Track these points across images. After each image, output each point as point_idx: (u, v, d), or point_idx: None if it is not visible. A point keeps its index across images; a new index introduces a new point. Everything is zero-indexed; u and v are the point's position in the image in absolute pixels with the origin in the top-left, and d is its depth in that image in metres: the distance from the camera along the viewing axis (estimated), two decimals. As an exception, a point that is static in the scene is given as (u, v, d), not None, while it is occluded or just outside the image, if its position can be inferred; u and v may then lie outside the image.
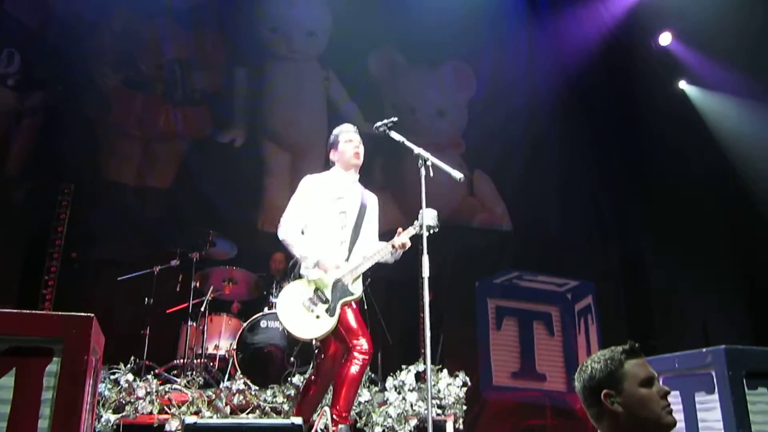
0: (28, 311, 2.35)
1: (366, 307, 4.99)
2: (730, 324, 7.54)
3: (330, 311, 3.77)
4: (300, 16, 8.19)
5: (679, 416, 3.16)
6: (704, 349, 3.06)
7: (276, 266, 6.28)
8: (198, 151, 7.55)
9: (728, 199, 7.80)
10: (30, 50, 7.16)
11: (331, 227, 4.00)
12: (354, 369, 3.69)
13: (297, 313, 3.82)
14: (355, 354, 3.73)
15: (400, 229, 3.85)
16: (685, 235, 7.66)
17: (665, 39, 8.23)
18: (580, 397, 2.07)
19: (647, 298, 8.05)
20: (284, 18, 8.15)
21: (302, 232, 4.02)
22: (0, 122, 7.01)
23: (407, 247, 3.84)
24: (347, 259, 3.97)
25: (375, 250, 3.93)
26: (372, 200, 4.26)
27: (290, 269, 4.09)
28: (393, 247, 3.85)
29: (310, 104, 8.18)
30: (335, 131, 4.24)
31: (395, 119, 3.83)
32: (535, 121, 8.32)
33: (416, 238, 3.76)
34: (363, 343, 3.76)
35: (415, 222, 3.63)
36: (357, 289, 3.87)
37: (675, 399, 3.20)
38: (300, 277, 3.92)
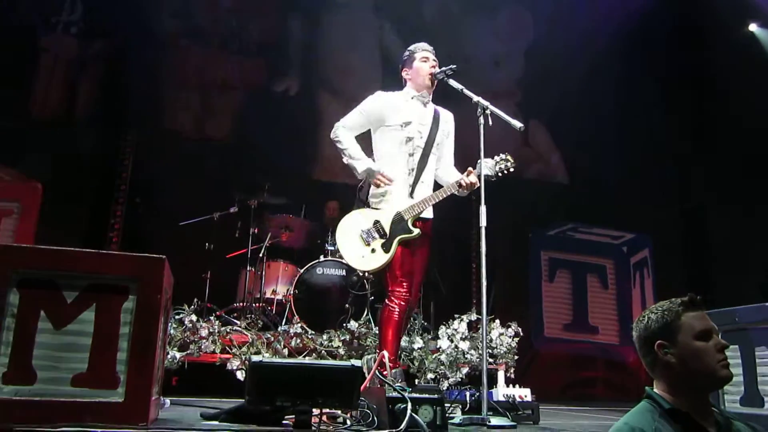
0: (107, 252, 2.48)
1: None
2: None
3: (386, 246, 3.70)
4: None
5: (737, 370, 3.15)
6: (766, 303, 3.00)
7: (330, 214, 6.38)
8: (254, 101, 7.64)
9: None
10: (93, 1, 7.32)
11: (399, 155, 3.86)
12: (395, 314, 3.66)
13: (354, 243, 3.76)
14: (394, 299, 3.69)
15: (470, 169, 3.72)
16: (748, 186, 7.35)
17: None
18: (636, 345, 2.07)
19: (707, 251, 7.83)
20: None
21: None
22: (65, 69, 7.23)
23: (476, 186, 3.66)
24: (411, 192, 3.83)
25: (441, 190, 3.79)
26: (446, 122, 4.06)
27: (357, 193, 3.98)
28: (460, 186, 3.73)
29: (365, 53, 8.13)
30: (410, 48, 4.07)
31: (454, 66, 3.76)
32: (593, 69, 8.03)
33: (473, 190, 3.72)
34: (403, 289, 3.70)
35: (481, 163, 3.51)
36: (416, 229, 3.74)
37: (734, 353, 3.17)
38: (364, 204, 3.86)
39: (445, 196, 3.80)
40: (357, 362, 2.42)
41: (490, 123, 3.37)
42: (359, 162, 3.79)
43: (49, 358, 2.31)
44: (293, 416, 2.40)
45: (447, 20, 8.22)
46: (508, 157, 3.80)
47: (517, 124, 3.33)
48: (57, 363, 2.31)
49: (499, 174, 3.78)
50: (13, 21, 7.01)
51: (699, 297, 2.01)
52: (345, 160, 3.88)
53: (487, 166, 3.48)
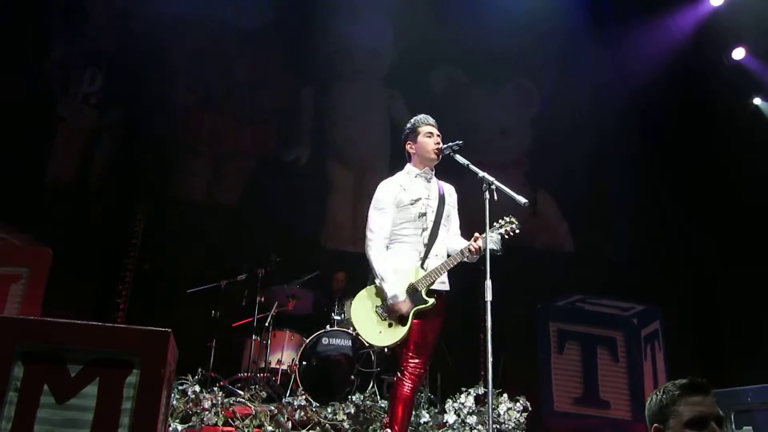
0: (112, 325, 2.48)
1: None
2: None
3: (402, 320, 3.69)
4: (364, 37, 8.32)
5: (752, 453, 3.06)
6: (781, 384, 2.95)
7: (338, 285, 6.38)
8: (264, 169, 7.78)
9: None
10: (110, 71, 7.58)
11: (412, 233, 3.88)
12: (406, 389, 3.62)
13: (369, 319, 3.75)
14: (407, 373, 3.65)
15: (476, 234, 3.73)
16: (758, 256, 7.29)
17: (738, 54, 7.95)
18: (647, 423, 2.05)
19: (717, 321, 7.71)
20: (349, 38, 8.31)
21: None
22: (81, 138, 7.42)
23: (483, 252, 3.63)
24: (423, 264, 3.83)
25: (450, 258, 3.80)
26: (450, 195, 4.10)
27: (370, 273, 3.94)
28: (469, 251, 3.73)
29: (373, 123, 8.30)
30: (412, 120, 4.08)
31: (461, 142, 3.82)
32: (599, 139, 8.17)
33: (479, 262, 3.72)
34: (418, 362, 3.68)
35: (486, 237, 3.52)
36: (431, 298, 3.73)
37: (748, 434, 3.10)
38: (373, 282, 3.85)
39: (455, 263, 3.81)
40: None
41: (495, 198, 3.41)
42: (390, 286, 3.74)
43: (51, 436, 2.29)
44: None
45: (454, 90, 8.43)
46: (512, 219, 3.81)
47: (522, 200, 3.36)
48: (57, 439, 2.28)
49: (505, 236, 3.78)
50: (35, 89, 7.26)
51: (702, 380, 1.98)
52: (376, 281, 3.81)
53: (492, 240, 3.49)
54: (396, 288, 3.71)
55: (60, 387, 2.33)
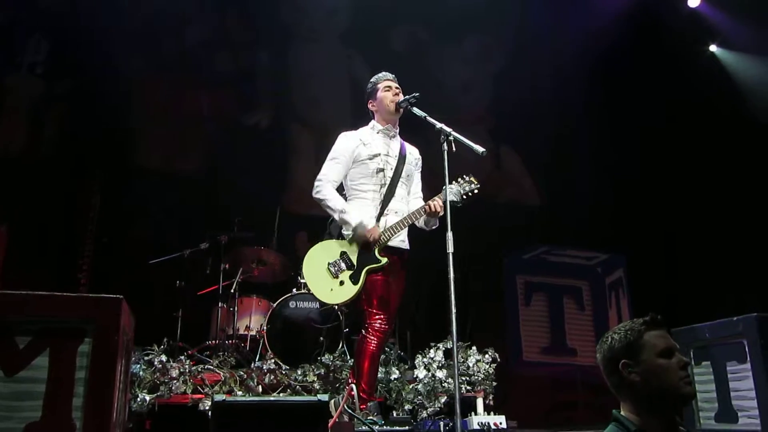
0: (59, 293, 2.40)
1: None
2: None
3: (354, 278, 3.67)
4: (321, -5, 8.11)
5: (710, 387, 3.15)
6: (735, 318, 3.01)
7: (299, 245, 6.30)
8: (224, 135, 7.60)
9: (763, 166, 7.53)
10: (57, 36, 7.25)
11: (369, 188, 3.87)
12: (372, 345, 3.62)
13: (321, 277, 3.73)
14: (371, 330, 3.64)
15: (436, 198, 3.71)
16: (716, 203, 7.42)
17: (694, 1, 7.95)
18: (601, 366, 2.09)
19: (677, 268, 7.86)
20: (305, -3, 8.09)
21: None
22: (31, 109, 7.14)
23: (440, 213, 3.65)
24: (379, 220, 3.80)
25: (404, 218, 3.77)
26: (413, 155, 4.09)
27: (328, 227, 3.96)
28: (425, 211, 3.71)
29: (334, 84, 8.16)
30: (373, 79, 4.07)
31: (417, 95, 3.80)
32: (561, 91, 8.15)
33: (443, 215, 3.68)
34: (381, 318, 3.66)
35: (445, 189, 3.49)
36: (384, 258, 3.71)
37: (706, 369, 3.18)
38: (330, 236, 3.84)
39: (410, 222, 3.80)
40: (323, 397, 2.36)
41: (454, 149, 3.37)
42: (351, 216, 3.73)
43: (1, 408, 2.22)
44: (259, 456, 2.33)
45: (415, 47, 8.30)
46: (472, 179, 3.80)
47: (479, 149, 3.33)
48: (9, 413, 2.22)
49: (464, 197, 3.77)
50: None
51: (659, 316, 2.04)
52: (336, 216, 3.80)
53: (452, 192, 3.47)
54: (359, 216, 3.70)
55: (8, 360, 2.26)
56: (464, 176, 3.81)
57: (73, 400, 2.27)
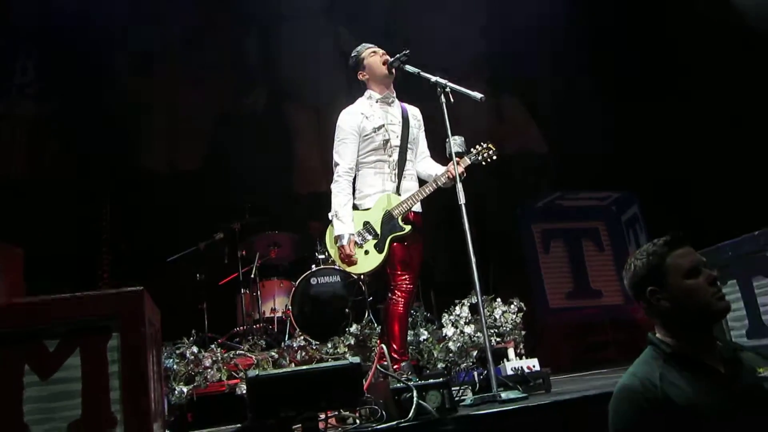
0: (81, 293, 2.42)
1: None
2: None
3: (378, 247, 3.73)
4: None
5: (739, 304, 3.13)
6: (756, 233, 2.98)
7: (314, 232, 6.30)
8: (222, 125, 7.57)
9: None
10: (40, 55, 7.21)
11: (379, 159, 3.89)
12: (400, 306, 3.67)
13: None
14: (397, 291, 3.70)
15: (457, 158, 3.64)
16: (728, 138, 7.28)
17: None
18: (630, 294, 2.02)
19: (691, 196, 7.73)
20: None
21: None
22: (27, 130, 7.13)
23: (461, 177, 3.54)
24: (397, 190, 3.86)
25: (426, 186, 3.82)
26: (415, 117, 4.08)
27: None
28: (447, 179, 3.72)
29: (325, 60, 8.08)
30: (354, 52, 4.05)
31: (407, 51, 3.76)
32: (555, 35, 7.98)
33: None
34: (406, 278, 3.72)
35: (449, 141, 3.49)
36: (408, 225, 3.76)
37: (732, 288, 3.15)
38: (355, 207, 3.87)
39: (431, 190, 3.84)
40: (355, 359, 2.38)
41: (452, 100, 3.34)
42: (342, 226, 3.75)
43: (41, 411, 2.25)
44: (300, 425, 2.36)
45: (399, 11, 8.16)
46: (490, 146, 3.86)
47: (477, 95, 3.30)
48: (50, 414, 2.25)
49: (483, 163, 3.83)
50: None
51: (681, 233, 1.95)
52: (330, 213, 3.84)
53: (457, 144, 3.44)
54: (343, 228, 3.74)
55: (41, 364, 2.28)
56: (481, 143, 3.86)
57: (110, 395, 2.29)
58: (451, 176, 3.67)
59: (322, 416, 2.35)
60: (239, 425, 2.77)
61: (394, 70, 3.85)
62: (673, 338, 1.89)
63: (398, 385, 2.42)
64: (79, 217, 6.81)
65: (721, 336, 3.28)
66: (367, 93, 4.03)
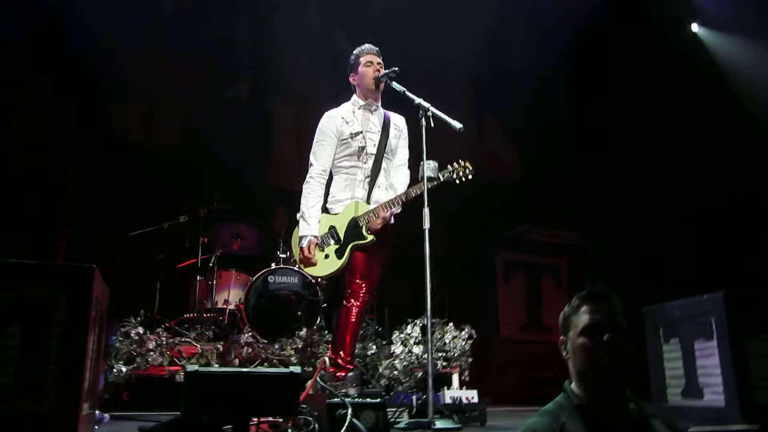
0: (32, 262, 2.39)
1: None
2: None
3: (339, 252, 3.74)
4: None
5: (677, 363, 3.21)
6: (705, 296, 3.06)
7: (278, 221, 6.26)
8: (203, 107, 7.49)
9: (740, 149, 7.54)
10: (31, 12, 7.05)
11: (353, 165, 3.90)
12: (352, 315, 3.68)
13: None
14: (352, 299, 3.70)
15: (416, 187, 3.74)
16: (690, 181, 7.45)
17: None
18: None
19: (658, 248, 7.88)
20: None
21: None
22: (7, 84, 6.97)
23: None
24: (368, 198, 3.86)
25: (394, 198, 3.81)
26: (397, 126, 4.07)
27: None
28: (409, 195, 3.76)
29: (314, 55, 8.05)
30: (356, 51, 4.05)
31: (397, 69, 3.79)
32: (542, 66, 8.09)
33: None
34: (362, 287, 3.72)
35: (423, 165, 3.51)
36: (371, 236, 3.76)
37: (674, 347, 3.23)
38: (326, 211, 3.88)
39: (397, 206, 3.84)
40: (296, 369, 2.38)
41: (432, 125, 3.38)
42: (308, 228, 3.77)
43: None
44: (231, 426, 2.35)
45: (396, 18, 8.18)
46: (467, 164, 3.83)
47: (457, 125, 3.34)
48: (-21, 378, 2.22)
49: (457, 181, 3.81)
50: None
51: (599, 288, 1.94)
52: (298, 214, 3.85)
53: (429, 168, 3.47)
54: (307, 230, 3.76)
55: (-21, 328, 2.24)
56: (459, 161, 3.84)
57: (46, 368, 2.27)
58: (402, 200, 3.74)
59: (255, 420, 2.35)
60: (173, 415, 2.74)
61: (381, 85, 3.88)
62: (582, 391, 1.88)
63: (335, 400, 2.43)
64: (46, 177, 6.68)
65: (658, 393, 3.36)
66: (353, 98, 4.06)
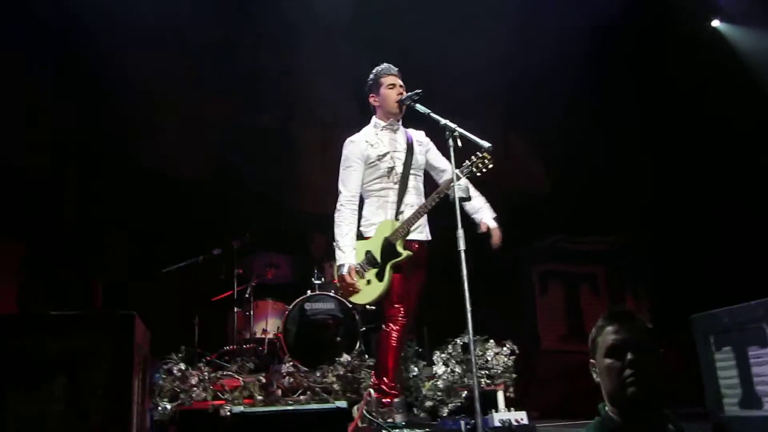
0: (72, 313, 2.42)
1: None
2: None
3: (379, 276, 3.73)
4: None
5: (732, 372, 3.11)
6: (754, 302, 2.96)
7: (317, 247, 6.29)
8: (231, 137, 7.57)
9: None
10: (62, 53, 7.21)
11: (383, 187, 3.91)
12: (393, 339, 3.68)
13: None
14: (391, 324, 3.70)
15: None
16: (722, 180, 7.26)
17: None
18: None
19: (695, 253, 7.70)
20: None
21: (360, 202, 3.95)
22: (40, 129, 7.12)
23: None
24: (397, 217, 3.85)
25: (421, 206, 3.79)
26: (420, 142, 4.06)
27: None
28: (439, 195, 3.74)
29: (339, 80, 8.10)
30: (375, 71, 4.05)
31: (420, 92, 3.78)
32: (567, 74, 8.00)
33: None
34: (401, 311, 3.73)
35: (454, 186, 3.44)
36: (406, 250, 3.74)
37: (727, 355, 3.13)
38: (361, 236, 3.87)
39: (425, 211, 3.81)
40: (341, 403, 2.36)
41: (460, 145, 3.35)
42: (343, 256, 3.78)
43: (25, 429, 2.24)
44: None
45: (419, 37, 8.19)
46: (485, 155, 3.68)
47: (486, 144, 3.31)
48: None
49: (478, 174, 3.73)
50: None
51: (620, 309, 1.95)
52: (335, 243, 3.87)
53: (460, 188, 3.43)
54: (345, 258, 3.76)
55: (26, 382, 2.26)
56: (477, 153, 3.71)
57: (92, 418, 2.28)
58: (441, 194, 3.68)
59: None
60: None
61: (404, 108, 3.87)
62: (616, 414, 1.85)
63: (383, 432, 2.40)
64: (42, 180, 6.63)
65: (714, 403, 3.25)
66: (373, 120, 4.07)
